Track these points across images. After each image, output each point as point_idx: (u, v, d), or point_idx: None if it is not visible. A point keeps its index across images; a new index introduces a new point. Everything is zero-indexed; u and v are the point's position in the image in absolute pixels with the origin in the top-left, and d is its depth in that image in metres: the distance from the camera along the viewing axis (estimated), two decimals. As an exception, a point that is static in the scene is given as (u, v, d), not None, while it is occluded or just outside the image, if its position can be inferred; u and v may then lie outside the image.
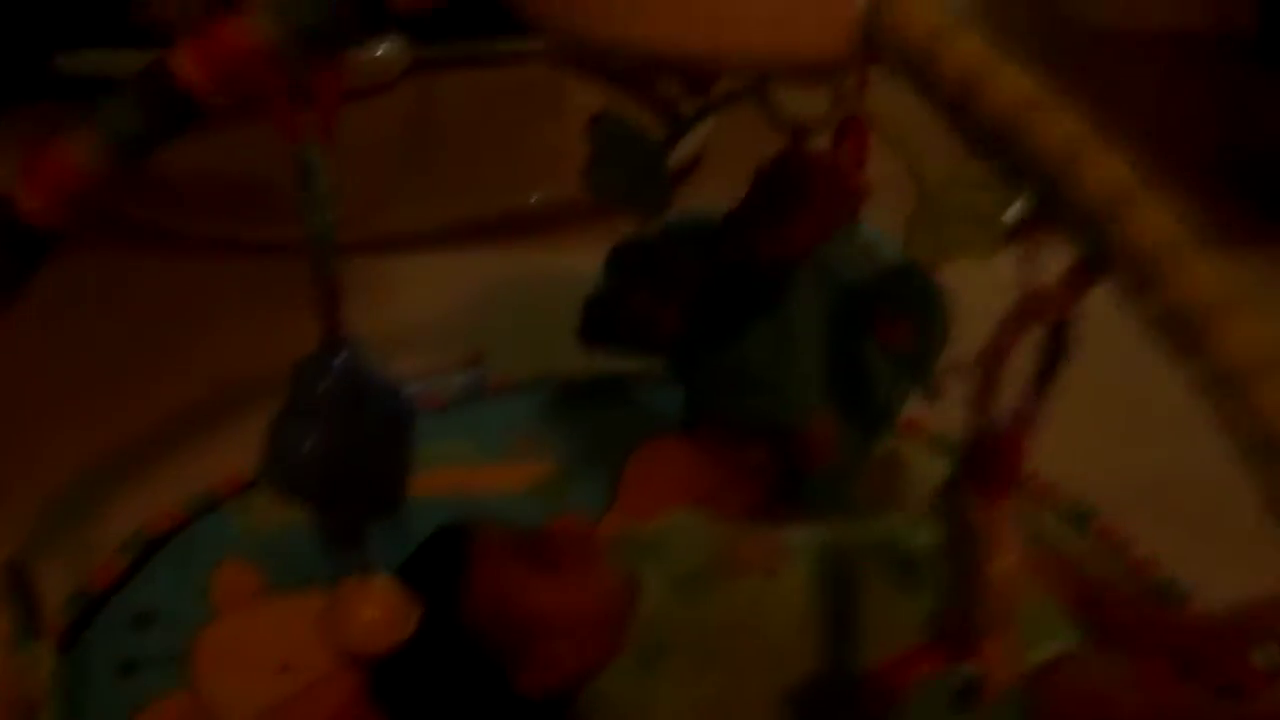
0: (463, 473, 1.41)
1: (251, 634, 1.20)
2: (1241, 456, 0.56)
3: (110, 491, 1.39)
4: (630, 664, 1.07)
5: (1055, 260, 0.69)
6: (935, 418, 1.54)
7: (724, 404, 1.44)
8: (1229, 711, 1.04)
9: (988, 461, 0.71)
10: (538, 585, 1.06)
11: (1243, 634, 1.12)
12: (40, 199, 0.80)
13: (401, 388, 0.92)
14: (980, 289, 1.56)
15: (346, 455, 0.85)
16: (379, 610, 0.94)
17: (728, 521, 1.23)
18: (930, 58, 0.65)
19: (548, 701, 1.06)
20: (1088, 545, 1.41)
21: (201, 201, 2.03)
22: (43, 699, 1.06)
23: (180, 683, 1.14)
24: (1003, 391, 0.72)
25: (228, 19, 0.79)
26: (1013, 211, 1.04)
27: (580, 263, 1.52)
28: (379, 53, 2.27)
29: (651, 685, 1.05)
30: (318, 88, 0.81)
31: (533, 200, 2.03)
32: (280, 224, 1.82)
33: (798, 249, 1.25)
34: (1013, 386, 0.73)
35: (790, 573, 1.10)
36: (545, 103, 2.37)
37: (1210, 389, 0.56)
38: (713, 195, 1.38)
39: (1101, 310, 0.68)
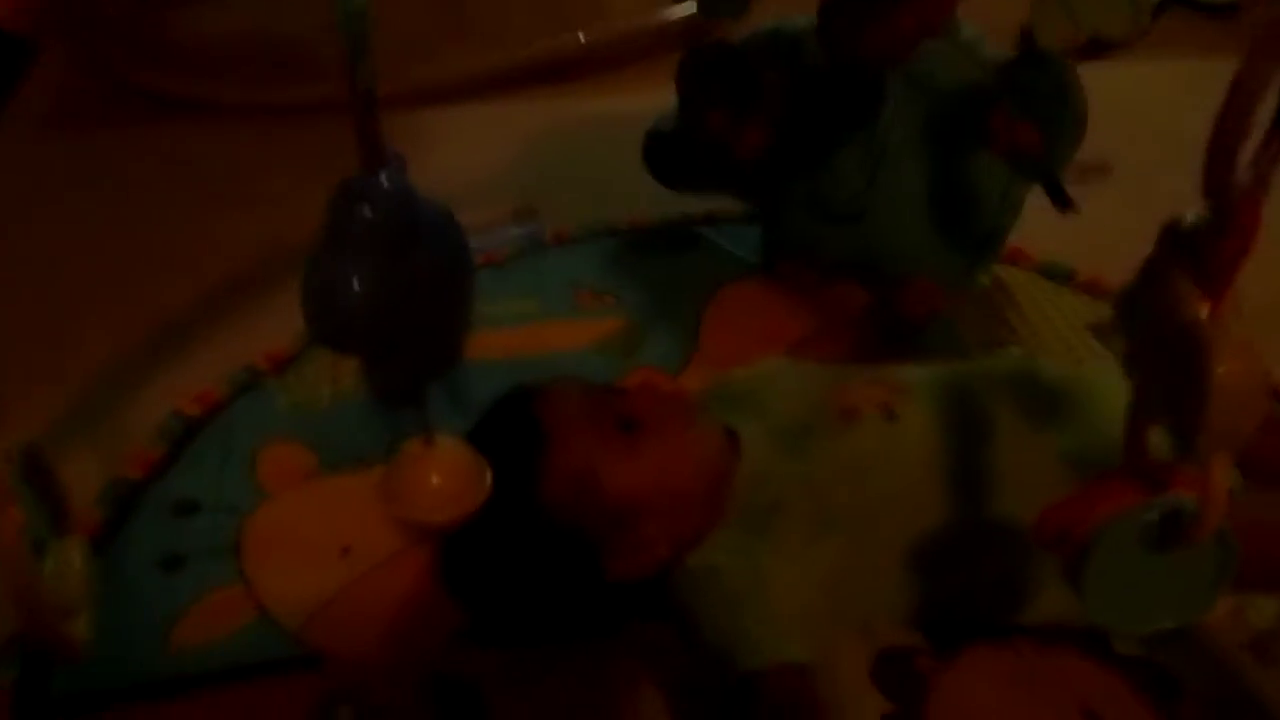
0: (525, 331, 1.29)
1: (306, 518, 1.08)
2: None
3: (145, 374, 1.27)
4: (736, 532, 0.93)
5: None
6: (1043, 244, 1.38)
7: (811, 238, 1.29)
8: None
9: (1213, 245, 0.55)
10: (625, 458, 0.91)
11: None
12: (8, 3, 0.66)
13: (454, 217, 0.77)
14: (1118, 82, 1.43)
15: (401, 295, 0.70)
16: (447, 476, 0.80)
17: (830, 365, 1.09)
18: None
19: (641, 584, 0.93)
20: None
21: (231, 68, 1.89)
22: (79, 602, 0.94)
23: (230, 575, 1.02)
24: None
25: None
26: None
27: (634, 105, 1.38)
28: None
29: (762, 553, 0.92)
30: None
31: (581, 40, 1.84)
32: (312, 84, 1.72)
33: (901, 43, 1.07)
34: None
35: (913, 413, 0.96)
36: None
37: None
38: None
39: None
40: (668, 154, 1.28)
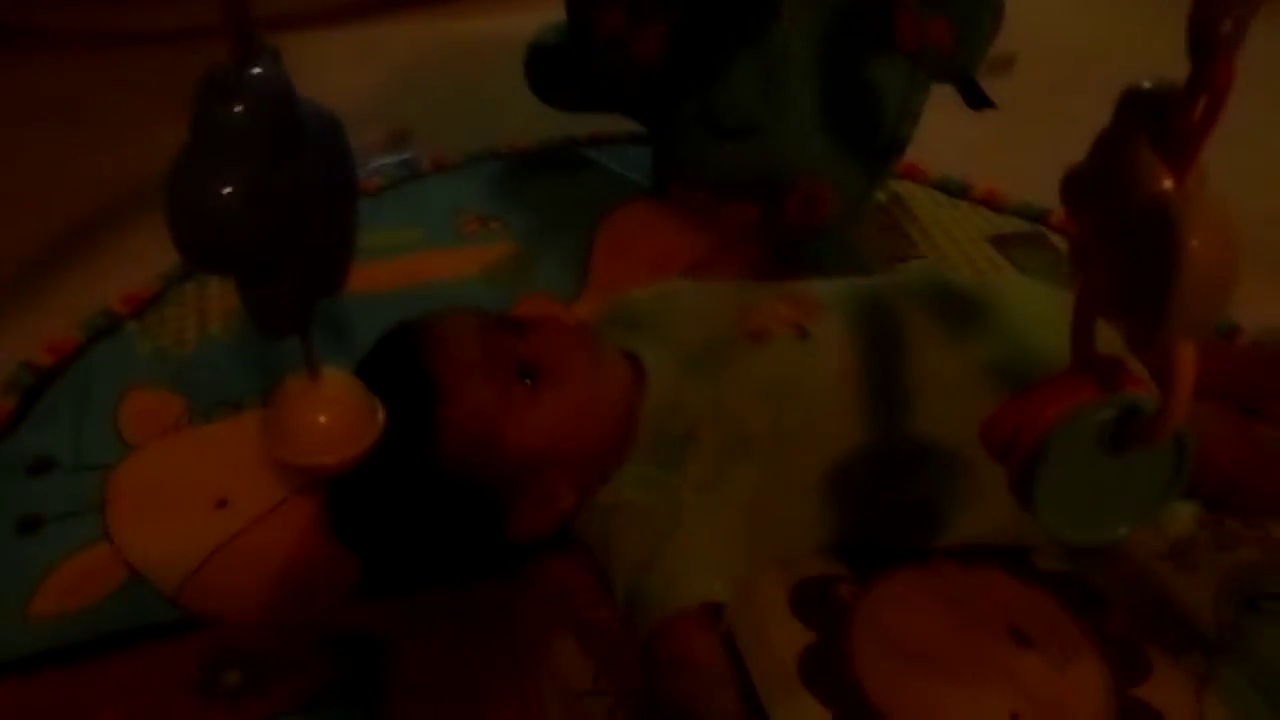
0: (408, 262, 1.21)
1: (176, 470, 1.00)
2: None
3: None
4: (648, 466, 0.88)
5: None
6: (937, 160, 1.35)
7: (704, 157, 1.23)
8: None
9: (1183, 110, 0.50)
10: (525, 412, 0.84)
11: None
12: None
13: (336, 119, 0.69)
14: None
15: (281, 203, 0.61)
16: (334, 414, 0.72)
17: (732, 283, 1.03)
18: None
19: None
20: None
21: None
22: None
23: (95, 535, 0.93)
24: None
25: None
26: None
27: (511, 25, 1.31)
28: None
29: (677, 486, 0.86)
30: None
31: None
32: (158, 11, 1.59)
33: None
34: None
35: (825, 331, 0.91)
36: None
37: None
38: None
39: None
40: (553, 68, 1.22)
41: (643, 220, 1.27)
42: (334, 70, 1.55)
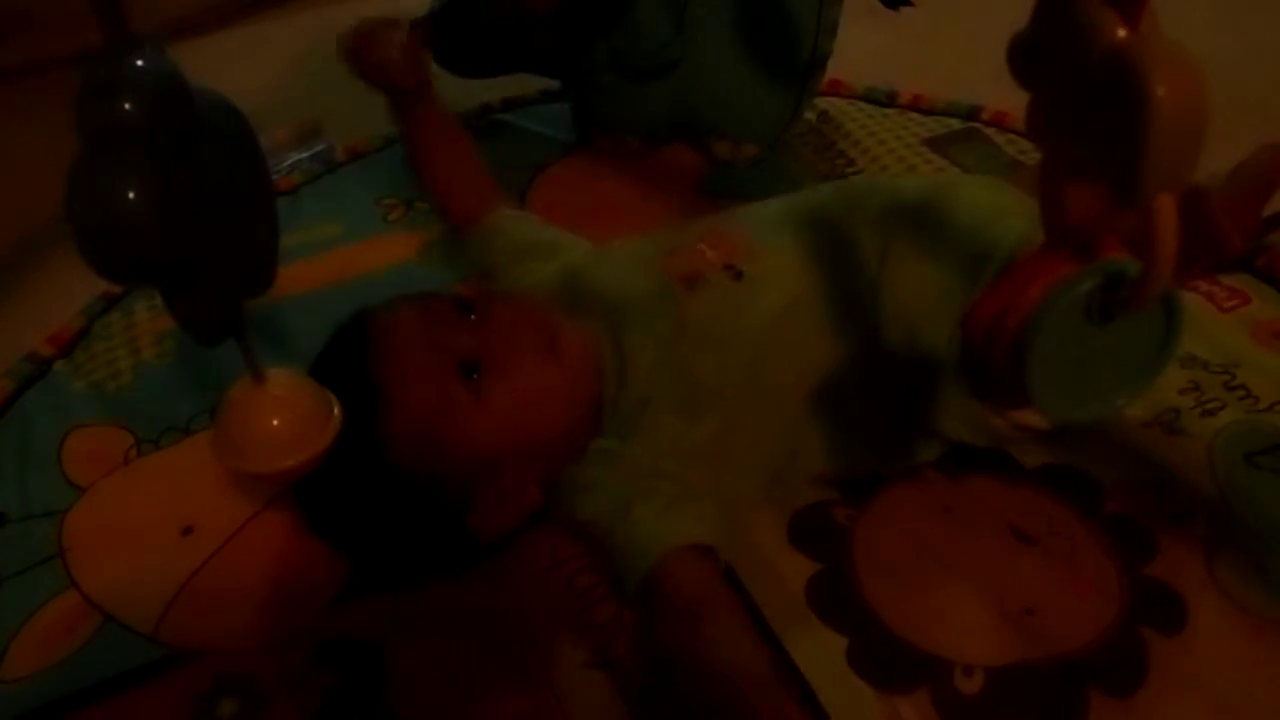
0: (335, 256, 1.16)
1: (134, 503, 0.95)
2: None
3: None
4: (609, 439, 0.85)
5: None
6: (859, 73, 1.33)
7: (623, 103, 1.20)
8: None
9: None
10: (470, 411, 0.79)
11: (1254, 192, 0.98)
12: None
13: (235, 107, 0.65)
14: None
15: (188, 202, 0.57)
16: (287, 416, 0.68)
17: (652, 232, 0.99)
18: None
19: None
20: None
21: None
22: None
23: (60, 584, 0.89)
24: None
25: None
26: None
27: (404, 6, 1.21)
28: None
29: (637, 454, 0.82)
30: None
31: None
32: (45, 37, 1.53)
33: None
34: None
35: (759, 267, 0.87)
36: None
37: None
38: None
39: None
40: (451, 36, 1.17)
41: (574, 176, 1.23)
42: (230, 72, 1.49)
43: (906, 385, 0.86)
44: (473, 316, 0.83)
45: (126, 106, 0.56)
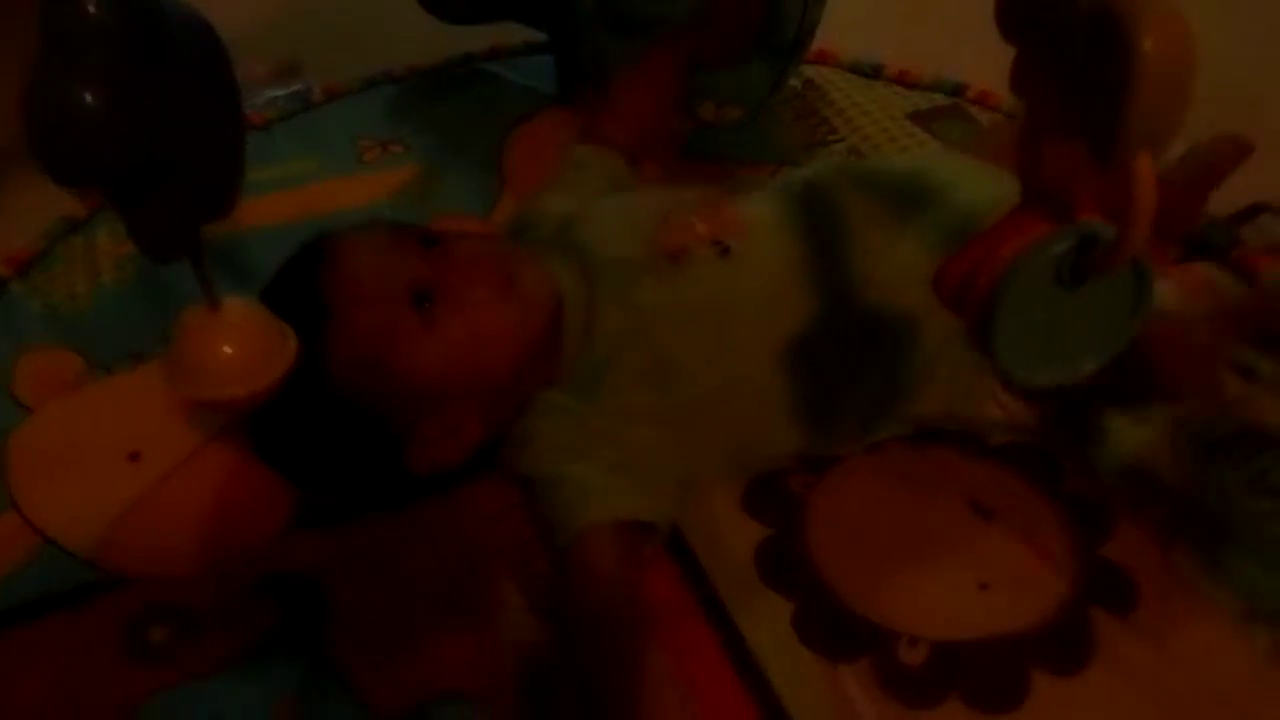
0: (307, 192, 1.14)
1: (81, 427, 0.93)
2: None
3: None
4: (564, 395, 0.83)
5: None
6: (847, 45, 1.32)
7: (609, 56, 1.17)
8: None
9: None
10: (417, 339, 0.78)
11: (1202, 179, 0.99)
12: None
13: (206, 22, 0.63)
14: None
15: (150, 112, 0.56)
16: (240, 343, 0.66)
17: (646, 190, 0.98)
18: None
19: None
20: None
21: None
22: None
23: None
24: None
25: None
26: None
27: None
28: None
29: (592, 415, 0.82)
30: None
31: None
32: None
33: None
34: None
35: (749, 246, 0.85)
36: None
37: None
38: None
39: None
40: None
41: (554, 128, 1.21)
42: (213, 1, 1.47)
43: (885, 370, 0.84)
44: (433, 250, 0.81)
45: (91, 9, 0.54)
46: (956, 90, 1.25)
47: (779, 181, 0.96)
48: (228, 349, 0.66)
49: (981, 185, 0.87)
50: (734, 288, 0.83)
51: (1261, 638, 0.75)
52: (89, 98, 0.55)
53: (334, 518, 0.85)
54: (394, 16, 1.31)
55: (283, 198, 1.12)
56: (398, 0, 1.24)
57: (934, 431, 0.88)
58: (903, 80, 1.28)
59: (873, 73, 1.29)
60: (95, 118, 0.55)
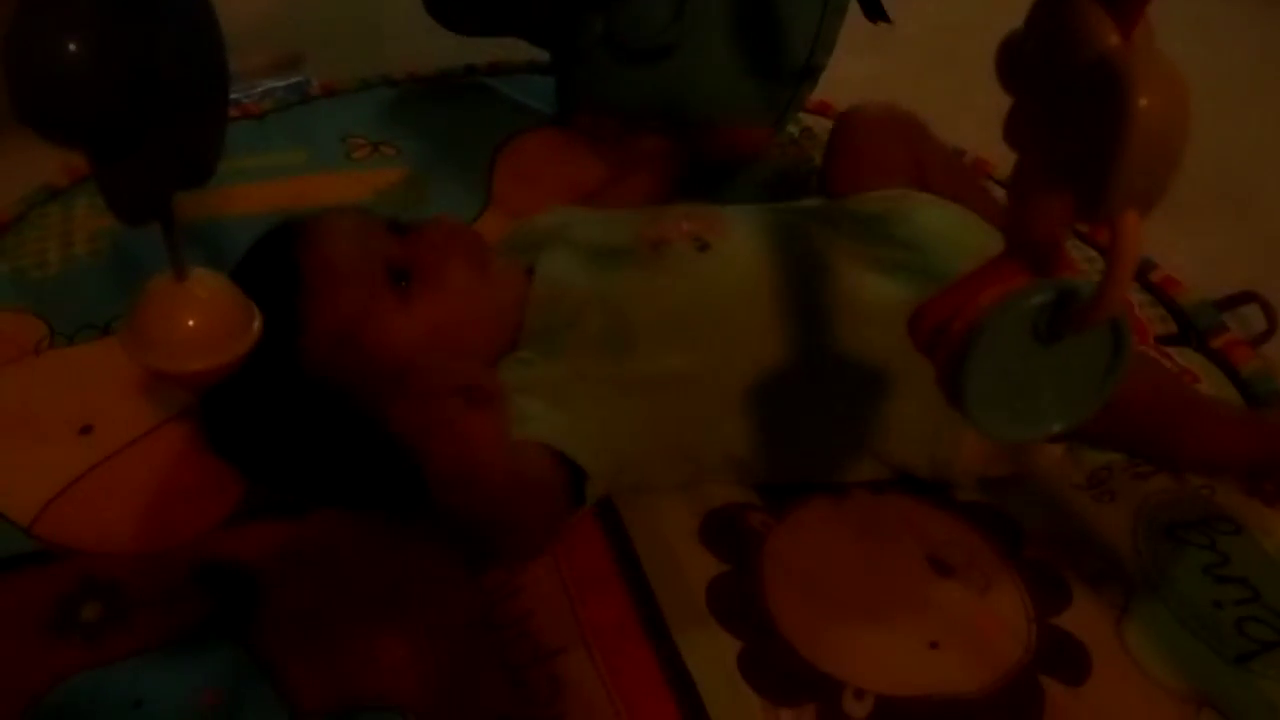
0: (292, 183, 1.14)
1: (35, 395, 0.92)
2: None
3: None
4: (527, 351, 0.83)
5: None
6: (848, 98, 1.32)
7: (611, 83, 1.18)
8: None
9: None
10: (392, 315, 0.78)
11: None
12: None
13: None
14: None
15: (134, 68, 0.55)
16: (203, 316, 0.65)
17: (640, 208, 0.99)
18: None
19: None
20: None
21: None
22: None
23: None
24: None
25: None
26: None
27: None
28: None
29: (556, 374, 0.81)
30: None
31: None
32: None
33: None
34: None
35: (726, 244, 0.87)
36: None
37: None
38: None
39: None
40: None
41: (547, 146, 1.21)
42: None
43: (851, 396, 0.84)
44: (405, 235, 0.82)
45: (79, -40, 0.53)
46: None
47: (768, 206, 0.97)
48: (191, 321, 0.65)
49: (967, 231, 0.87)
50: (707, 282, 0.84)
51: (1210, 724, 0.74)
52: (72, 47, 0.54)
53: (278, 511, 0.83)
54: (400, 21, 1.30)
55: (267, 187, 1.11)
56: (405, 6, 1.23)
57: (901, 480, 0.87)
58: (900, 140, 1.27)
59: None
60: (79, 69, 0.54)
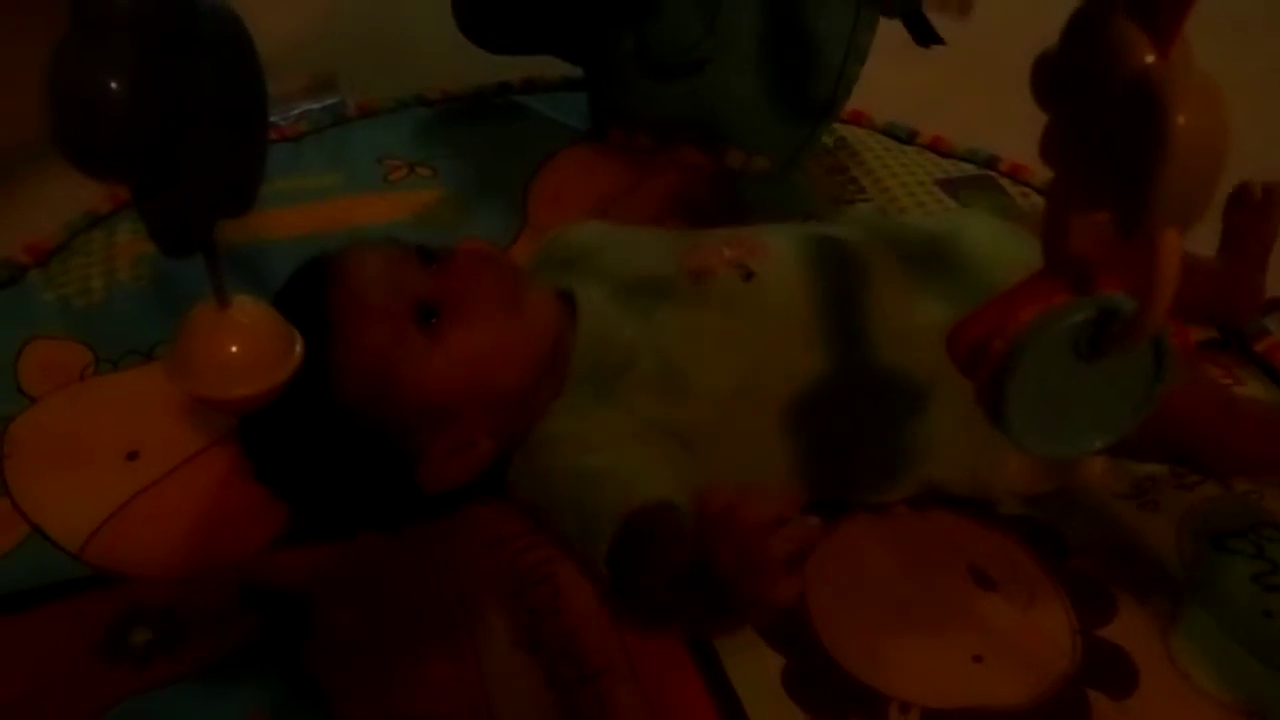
0: (330, 206, 1.14)
1: (82, 421, 0.93)
2: None
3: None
4: (577, 398, 0.82)
5: None
6: (884, 109, 1.32)
7: (643, 98, 1.18)
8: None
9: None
10: (422, 355, 0.77)
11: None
12: None
13: (239, 20, 0.63)
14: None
15: (175, 103, 0.56)
16: (246, 343, 0.66)
17: (678, 228, 0.98)
18: None
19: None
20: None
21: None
22: None
23: (-8, 489, 0.86)
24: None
25: None
26: None
27: None
28: None
29: (609, 416, 0.80)
30: None
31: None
32: None
33: None
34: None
35: (772, 273, 0.85)
36: None
37: None
38: None
39: None
40: (481, 8, 1.15)
41: (582, 165, 1.21)
42: (256, 14, 1.48)
43: (895, 417, 0.83)
44: (434, 266, 0.81)
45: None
46: (989, 162, 1.25)
47: (807, 226, 0.96)
48: (234, 348, 0.65)
49: (1008, 247, 0.87)
50: (752, 312, 0.83)
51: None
52: (114, 85, 0.54)
53: (326, 534, 0.83)
54: (433, 39, 1.31)
55: (304, 211, 1.12)
56: (438, 24, 1.24)
57: (942, 495, 0.87)
58: (935, 147, 1.28)
59: (906, 138, 1.30)
60: (120, 106, 0.54)
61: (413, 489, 0.80)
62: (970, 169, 1.25)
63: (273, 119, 1.19)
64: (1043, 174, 1.15)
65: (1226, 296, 1.00)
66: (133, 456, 0.89)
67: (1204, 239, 0.99)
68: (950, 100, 1.39)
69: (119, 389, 0.95)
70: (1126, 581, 0.82)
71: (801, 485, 0.84)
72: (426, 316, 0.78)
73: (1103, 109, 0.50)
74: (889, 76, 1.22)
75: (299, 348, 0.67)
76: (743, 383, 0.82)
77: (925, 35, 1.08)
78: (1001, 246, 0.88)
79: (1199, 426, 0.85)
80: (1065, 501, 0.88)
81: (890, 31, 1.15)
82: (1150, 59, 0.48)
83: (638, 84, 1.17)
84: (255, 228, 1.07)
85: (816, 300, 0.84)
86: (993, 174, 1.24)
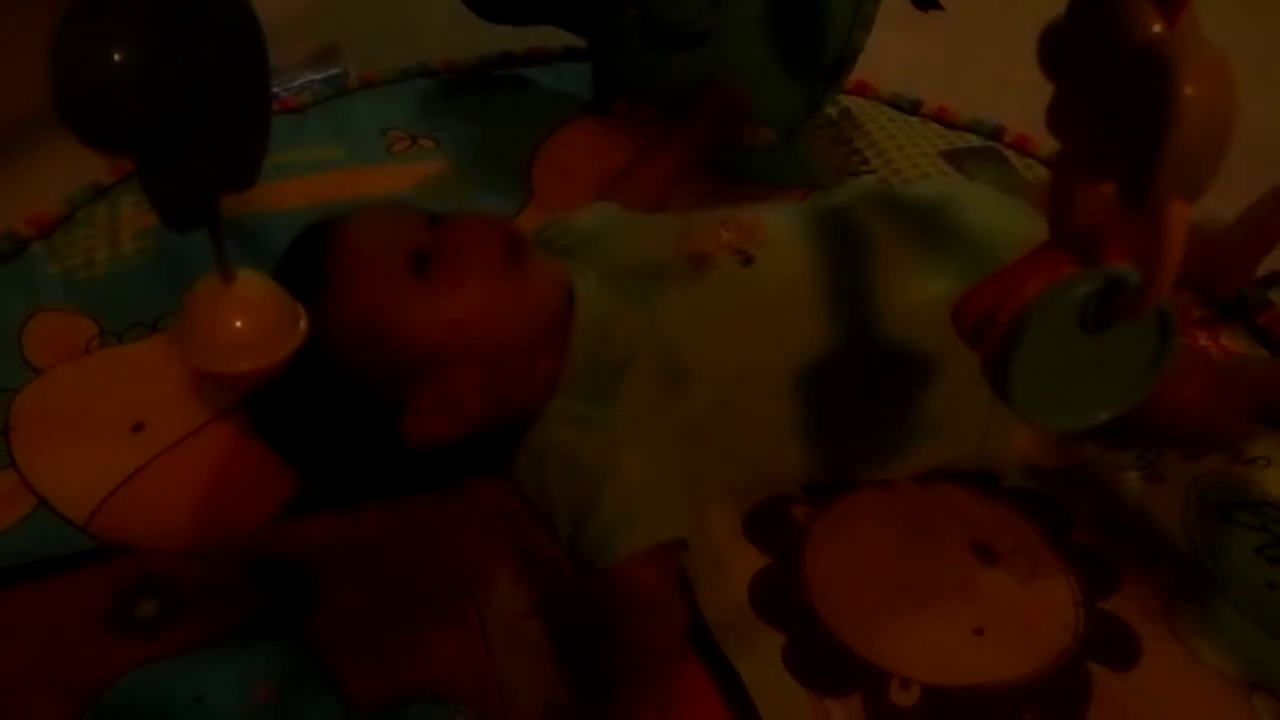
0: (332, 178, 1.14)
1: (88, 392, 0.93)
2: None
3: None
4: (580, 401, 0.81)
5: None
6: (888, 80, 1.31)
7: (647, 69, 1.18)
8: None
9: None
10: (413, 302, 0.76)
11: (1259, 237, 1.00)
12: None
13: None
14: None
15: (180, 77, 0.55)
16: (251, 317, 0.66)
17: (674, 214, 0.97)
18: None
19: (467, 451, 0.80)
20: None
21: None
22: None
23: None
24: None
25: None
26: None
27: None
28: None
29: (614, 422, 0.79)
30: None
31: None
32: None
33: None
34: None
35: (771, 256, 0.85)
36: None
37: None
38: None
39: None
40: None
41: (585, 138, 1.20)
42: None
43: (901, 394, 0.83)
44: (439, 225, 0.81)
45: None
46: (994, 133, 1.24)
47: (807, 202, 0.95)
48: (239, 322, 0.65)
49: (1012, 220, 0.86)
50: (753, 296, 0.83)
51: (1262, 707, 0.73)
52: (118, 57, 0.54)
53: (331, 506, 0.84)
54: (436, 9, 1.30)
55: (307, 182, 1.11)
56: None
57: (948, 471, 0.87)
58: (940, 118, 1.27)
59: (911, 108, 1.29)
60: (124, 78, 0.54)
61: (398, 442, 0.78)
62: (975, 140, 1.24)
63: (275, 90, 1.19)
64: (1048, 145, 1.15)
65: (1219, 267, 0.99)
66: (138, 428, 0.89)
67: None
68: (955, 69, 1.38)
69: (124, 361, 0.95)
70: (1130, 554, 0.82)
71: (807, 466, 0.84)
72: (421, 264, 0.77)
73: (1110, 79, 0.50)
74: (895, 46, 1.21)
75: (303, 323, 0.67)
76: (745, 365, 0.81)
77: (924, 0, 1.08)
78: (1004, 220, 0.88)
79: (1204, 408, 0.85)
80: (1069, 474, 0.88)
81: (896, 2, 1.14)
82: (1158, 29, 0.47)
83: (641, 54, 1.16)
84: (258, 200, 1.06)
85: (818, 279, 0.83)
86: (997, 145, 1.23)
